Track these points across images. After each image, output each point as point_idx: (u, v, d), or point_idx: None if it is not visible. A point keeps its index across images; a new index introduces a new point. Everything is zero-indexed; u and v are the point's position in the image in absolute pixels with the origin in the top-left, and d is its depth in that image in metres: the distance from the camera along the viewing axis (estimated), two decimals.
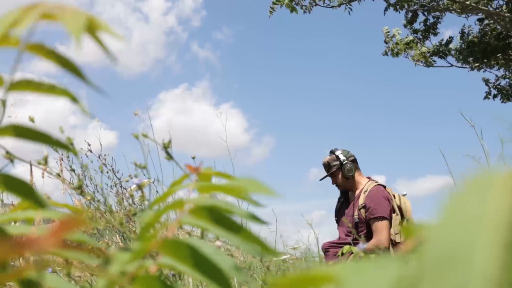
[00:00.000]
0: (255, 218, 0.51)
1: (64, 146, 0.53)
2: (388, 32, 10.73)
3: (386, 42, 10.76)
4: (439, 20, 10.86)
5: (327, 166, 4.23)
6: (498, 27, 10.26)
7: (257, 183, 0.40)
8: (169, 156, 1.19)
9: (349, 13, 10.02)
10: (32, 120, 1.32)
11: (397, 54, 10.70)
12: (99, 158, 2.55)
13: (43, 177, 1.74)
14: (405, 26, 11.01)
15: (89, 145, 2.85)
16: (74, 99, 0.50)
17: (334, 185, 4.28)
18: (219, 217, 0.44)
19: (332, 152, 4.26)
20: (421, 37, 10.96)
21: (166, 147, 1.18)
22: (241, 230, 0.43)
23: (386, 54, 10.80)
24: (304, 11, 9.87)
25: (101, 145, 2.65)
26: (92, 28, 0.44)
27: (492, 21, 10.31)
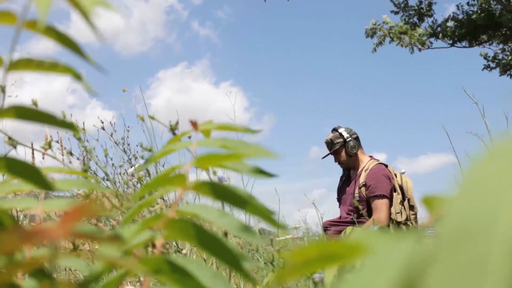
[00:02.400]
0: (261, 172, 0.51)
1: (69, 125, 0.52)
2: (375, 24, 10.67)
3: (371, 36, 10.70)
4: (433, 1, 10.80)
5: (330, 143, 4.22)
6: (495, 5, 10.20)
7: (255, 147, 0.39)
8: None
9: None
10: (35, 103, 1.31)
11: (392, 40, 10.65)
12: (111, 136, 2.55)
13: (43, 158, 1.73)
14: (396, 12, 10.93)
15: (102, 122, 2.83)
16: (77, 76, 0.49)
17: (337, 163, 4.28)
18: (221, 191, 0.44)
19: (335, 129, 4.25)
20: (416, 20, 10.90)
21: (173, 129, 1.17)
22: (246, 202, 0.43)
23: (375, 50, 10.77)
24: None
25: (103, 124, 2.64)
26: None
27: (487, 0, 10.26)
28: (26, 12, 0.45)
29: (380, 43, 10.74)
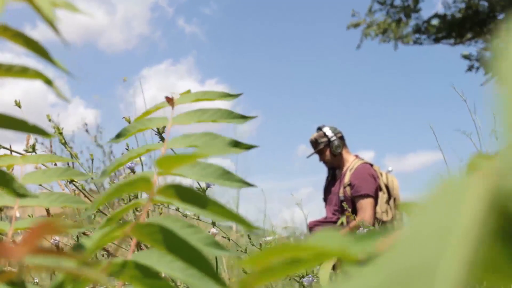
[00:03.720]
0: (237, 144, 0.51)
1: (40, 131, 0.52)
2: (356, 15, 10.69)
3: (354, 26, 10.70)
4: None
5: (315, 142, 4.21)
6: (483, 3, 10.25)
7: (215, 145, 0.39)
8: (163, 140, 1.18)
9: None
10: (18, 105, 1.30)
11: (376, 34, 10.66)
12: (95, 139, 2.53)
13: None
14: (381, 3, 10.91)
15: (86, 124, 2.82)
16: (48, 81, 0.49)
17: (322, 162, 4.28)
18: (188, 194, 0.43)
19: (319, 128, 4.24)
20: (402, 16, 10.91)
21: (160, 132, 1.17)
22: (212, 204, 0.43)
23: (359, 47, 10.79)
24: None
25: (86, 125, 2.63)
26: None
27: None
28: None
29: (364, 36, 10.73)
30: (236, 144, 0.61)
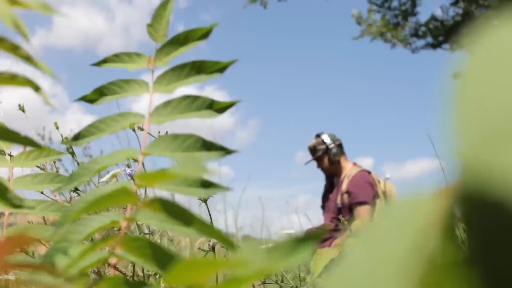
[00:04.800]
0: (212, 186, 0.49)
1: (33, 143, 0.51)
2: (355, 15, 10.70)
3: (359, 23, 10.70)
4: (417, 1, 10.82)
5: (313, 150, 4.20)
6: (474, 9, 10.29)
7: (195, 164, 0.37)
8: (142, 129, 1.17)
9: None
10: (22, 109, 1.28)
11: (374, 38, 10.68)
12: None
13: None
14: (378, 12, 10.91)
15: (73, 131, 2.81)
16: (36, 88, 0.48)
17: (320, 169, 4.27)
18: (173, 209, 0.42)
19: (318, 135, 4.23)
20: (400, 20, 10.92)
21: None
22: (197, 222, 0.41)
23: (357, 38, 10.78)
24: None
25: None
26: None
27: (470, 2, 10.32)
28: None
29: (362, 35, 10.74)
30: (211, 106, 0.56)
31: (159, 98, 0.62)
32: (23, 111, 1.28)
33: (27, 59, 0.45)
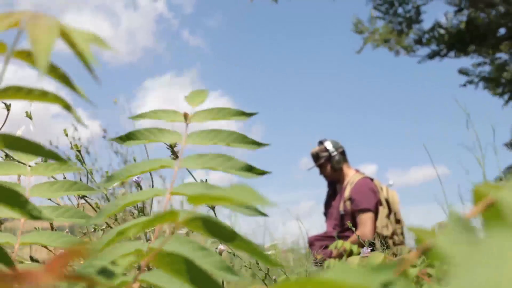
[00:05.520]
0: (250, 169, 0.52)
1: (57, 157, 0.51)
2: (359, 24, 10.70)
3: (360, 32, 10.69)
4: (421, 8, 10.81)
5: (316, 156, 4.21)
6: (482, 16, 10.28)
7: (248, 192, 0.39)
8: (175, 156, 1.17)
9: None
10: (29, 116, 1.29)
11: (377, 45, 10.67)
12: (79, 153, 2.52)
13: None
14: (382, 18, 10.90)
15: (79, 139, 2.82)
16: (67, 107, 0.48)
17: (322, 175, 4.27)
18: (214, 227, 0.43)
19: (321, 142, 4.23)
20: (405, 27, 10.90)
21: (172, 146, 1.16)
22: (237, 238, 0.42)
23: (359, 51, 10.80)
24: None
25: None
26: (69, 37, 0.42)
27: (474, 10, 10.31)
28: (17, 40, 0.44)
29: (365, 44, 10.73)
30: (250, 169, 0.62)
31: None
32: (31, 118, 1.29)
33: (66, 81, 0.46)
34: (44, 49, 0.37)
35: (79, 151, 1.32)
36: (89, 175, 1.38)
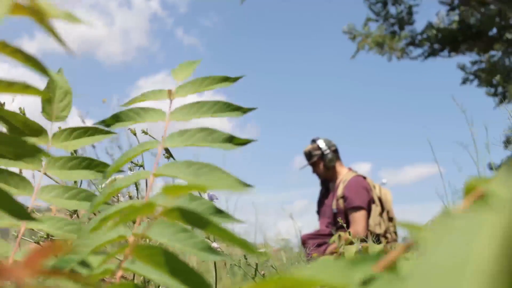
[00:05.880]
0: (232, 139, 0.51)
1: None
2: (351, 29, 10.72)
3: (352, 38, 10.73)
4: (413, 9, 10.85)
5: (308, 155, 4.21)
6: (475, 14, 10.32)
7: (224, 178, 0.38)
8: (169, 155, 1.16)
9: None
10: (22, 112, 1.28)
11: (371, 48, 10.71)
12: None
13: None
14: (375, 20, 10.94)
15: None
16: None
17: (315, 174, 4.27)
18: (192, 217, 0.42)
19: (314, 140, 4.23)
20: (397, 29, 10.93)
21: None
22: (214, 227, 0.42)
23: (353, 57, 10.83)
24: None
25: None
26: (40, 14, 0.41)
27: (466, 10, 10.35)
28: None
29: (359, 50, 10.78)
30: (231, 139, 0.61)
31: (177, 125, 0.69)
32: (24, 114, 1.28)
33: (41, 69, 0.45)
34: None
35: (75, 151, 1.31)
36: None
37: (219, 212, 0.54)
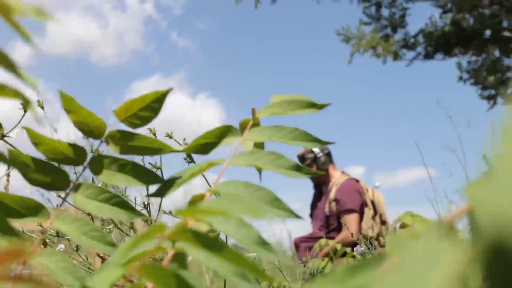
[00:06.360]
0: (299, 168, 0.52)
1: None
2: (346, 31, 10.75)
3: (346, 41, 10.75)
4: (406, 11, 10.87)
5: (302, 158, 4.22)
6: (468, 17, 10.35)
7: (249, 202, 0.37)
8: (191, 160, 1.15)
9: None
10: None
11: (365, 51, 10.73)
12: None
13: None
14: (368, 23, 10.95)
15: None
16: (26, 102, 0.45)
17: (308, 177, 4.27)
18: (203, 239, 0.41)
19: None
20: (390, 32, 10.95)
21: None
22: (229, 252, 0.41)
23: (350, 61, 10.86)
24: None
25: None
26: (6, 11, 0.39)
27: (459, 12, 10.39)
28: None
29: (355, 52, 10.80)
30: (298, 168, 0.62)
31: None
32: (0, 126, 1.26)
33: (12, 68, 0.43)
34: None
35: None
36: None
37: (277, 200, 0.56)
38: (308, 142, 0.66)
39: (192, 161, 1.12)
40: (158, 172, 1.20)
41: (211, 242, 0.38)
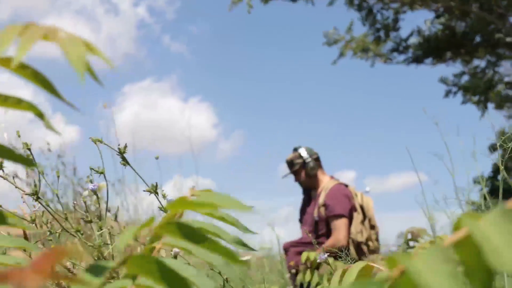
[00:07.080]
0: (242, 244, 0.52)
1: (27, 161, 0.52)
2: (335, 33, 10.73)
3: (331, 44, 10.73)
4: (399, 16, 10.88)
5: (290, 163, 4.23)
6: (460, 23, 10.39)
7: (229, 199, 0.40)
8: (125, 162, 1.16)
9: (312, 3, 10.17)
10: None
11: (355, 53, 10.73)
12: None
13: None
14: (363, 25, 10.95)
15: (48, 144, 2.81)
16: (39, 115, 0.49)
17: (297, 182, 4.29)
18: (188, 232, 0.44)
19: (295, 149, 4.25)
20: (382, 35, 10.95)
21: (121, 152, 1.15)
22: (210, 242, 0.44)
23: (335, 62, 10.85)
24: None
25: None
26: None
27: (451, 17, 10.42)
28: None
29: (341, 55, 10.79)
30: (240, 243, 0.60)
31: None
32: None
33: (48, 87, 0.47)
34: (79, 61, 0.38)
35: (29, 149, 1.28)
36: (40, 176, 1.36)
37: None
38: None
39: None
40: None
41: (194, 233, 0.42)
